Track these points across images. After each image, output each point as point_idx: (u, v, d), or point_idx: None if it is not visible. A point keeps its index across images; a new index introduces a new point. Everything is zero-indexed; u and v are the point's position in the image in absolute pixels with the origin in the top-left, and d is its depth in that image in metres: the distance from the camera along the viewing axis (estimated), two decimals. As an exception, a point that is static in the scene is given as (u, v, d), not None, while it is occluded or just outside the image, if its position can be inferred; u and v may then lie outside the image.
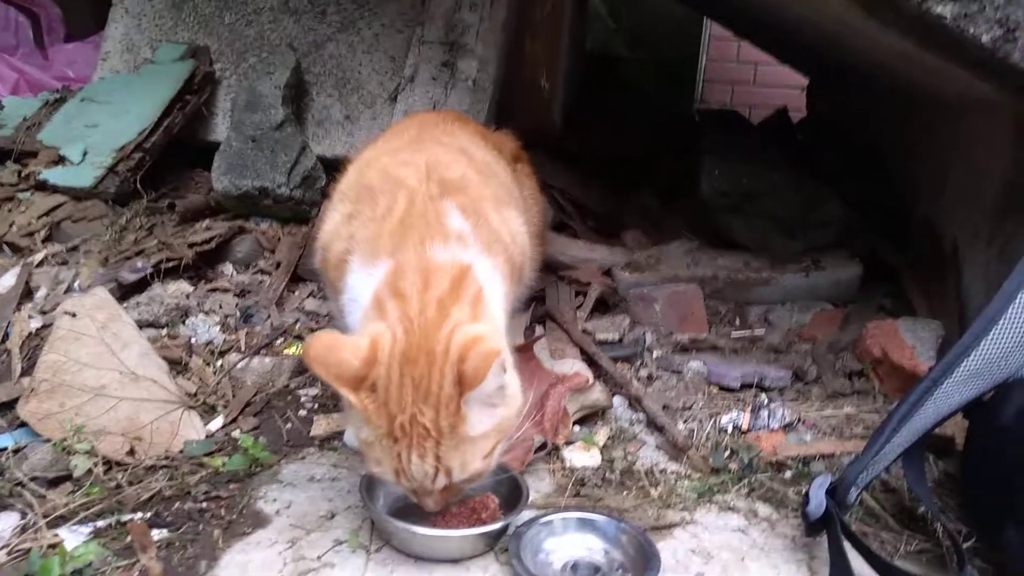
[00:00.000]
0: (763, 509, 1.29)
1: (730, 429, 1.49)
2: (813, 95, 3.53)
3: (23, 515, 1.16)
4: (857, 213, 2.20)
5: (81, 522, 1.16)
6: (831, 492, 1.14)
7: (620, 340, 1.80)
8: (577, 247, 2.24)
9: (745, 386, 1.63)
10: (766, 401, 1.58)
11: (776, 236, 2.15)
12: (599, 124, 3.11)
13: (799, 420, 1.52)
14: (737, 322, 1.98)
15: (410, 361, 1.02)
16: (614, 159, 2.83)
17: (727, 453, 1.42)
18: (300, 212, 2.20)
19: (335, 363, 1.01)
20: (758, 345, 1.85)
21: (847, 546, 1.10)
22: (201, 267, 1.99)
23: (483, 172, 1.40)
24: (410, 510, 1.13)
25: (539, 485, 1.32)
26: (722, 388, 1.64)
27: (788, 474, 1.38)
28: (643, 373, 1.69)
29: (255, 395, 1.55)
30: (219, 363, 1.64)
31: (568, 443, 1.42)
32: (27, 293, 1.76)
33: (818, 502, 1.13)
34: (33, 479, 1.24)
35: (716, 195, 2.19)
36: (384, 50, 2.43)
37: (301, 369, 1.65)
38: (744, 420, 1.50)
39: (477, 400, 1.01)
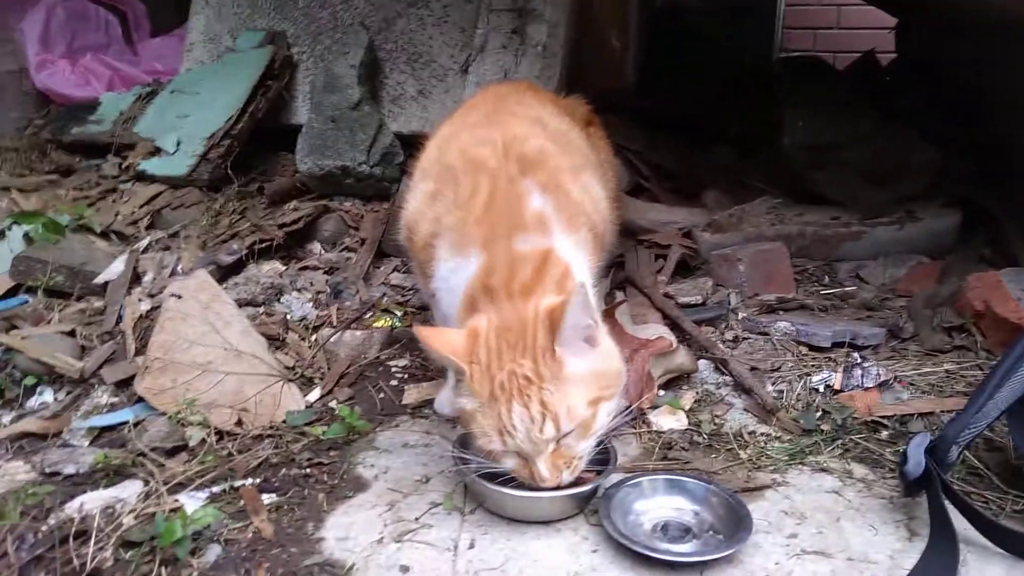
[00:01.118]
0: (858, 470, 1.27)
1: (822, 389, 1.46)
2: (901, 35, 3.32)
3: (145, 483, 1.26)
4: (951, 158, 2.09)
5: (198, 488, 1.25)
6: (930, 451, 1.11)
7: (703, 303, 1.78)
8: (655, 210, 2.21)
9: (836, 345, 1.59)
10: (859, 360, 1.53)
11: (864, 187, 2.07)
12: (673, 80, 3.04)
13: (895, 378, 1.47)
14: (826, 280, 1.93)
15: (505, 330, 1.09)
16: (690, 116, 2.76)
17: (819, 414, 1.39)
18: (381, 189, 2.25)
19: (447, 342, 1.12)
20: (849, 302, 1.79)
21: (948, 505, 1.07)
22: (291, 247, 2.07)
23: (559, 141, 1.40)
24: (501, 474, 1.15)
25: (626, 449, 1.33)
26: (812, 348, 1.60)
27: (884, 434, 1.35)
28: (728, 335, 1.67)
29: (349, 367, 1.62)
30: (314, 338, 1.71)
31: (653, 407, 1.43)
32: (135, 278, 1.88)
33: (917, 461, 1.10)
34: (152, 449, 1.34)
35: (799, 149, 2.12)
36: (453, 21, 2.43)
37: (390, 341, 1.71)
38: (836, 380, 1.47)
39: (569, 336, 1.06)
